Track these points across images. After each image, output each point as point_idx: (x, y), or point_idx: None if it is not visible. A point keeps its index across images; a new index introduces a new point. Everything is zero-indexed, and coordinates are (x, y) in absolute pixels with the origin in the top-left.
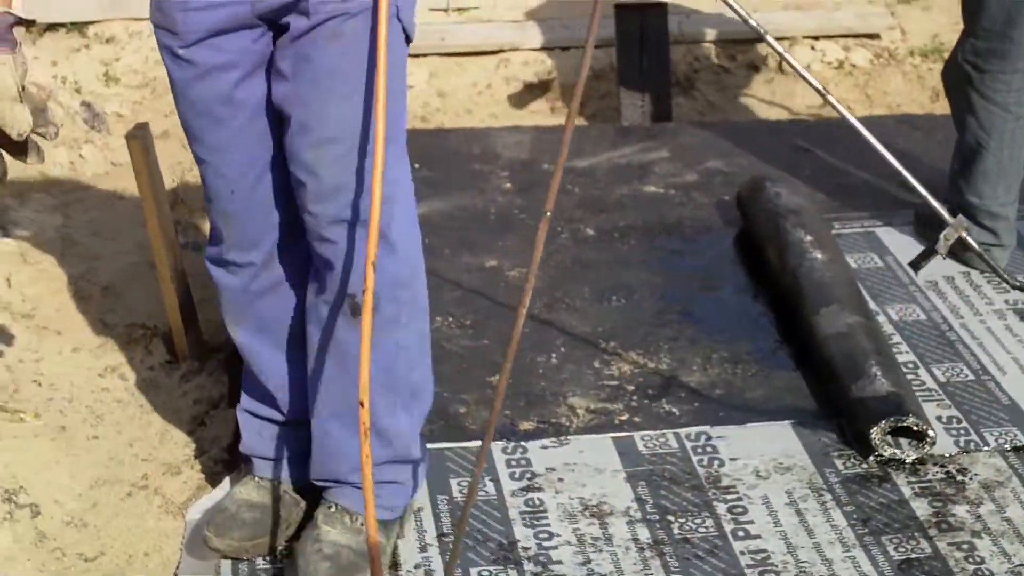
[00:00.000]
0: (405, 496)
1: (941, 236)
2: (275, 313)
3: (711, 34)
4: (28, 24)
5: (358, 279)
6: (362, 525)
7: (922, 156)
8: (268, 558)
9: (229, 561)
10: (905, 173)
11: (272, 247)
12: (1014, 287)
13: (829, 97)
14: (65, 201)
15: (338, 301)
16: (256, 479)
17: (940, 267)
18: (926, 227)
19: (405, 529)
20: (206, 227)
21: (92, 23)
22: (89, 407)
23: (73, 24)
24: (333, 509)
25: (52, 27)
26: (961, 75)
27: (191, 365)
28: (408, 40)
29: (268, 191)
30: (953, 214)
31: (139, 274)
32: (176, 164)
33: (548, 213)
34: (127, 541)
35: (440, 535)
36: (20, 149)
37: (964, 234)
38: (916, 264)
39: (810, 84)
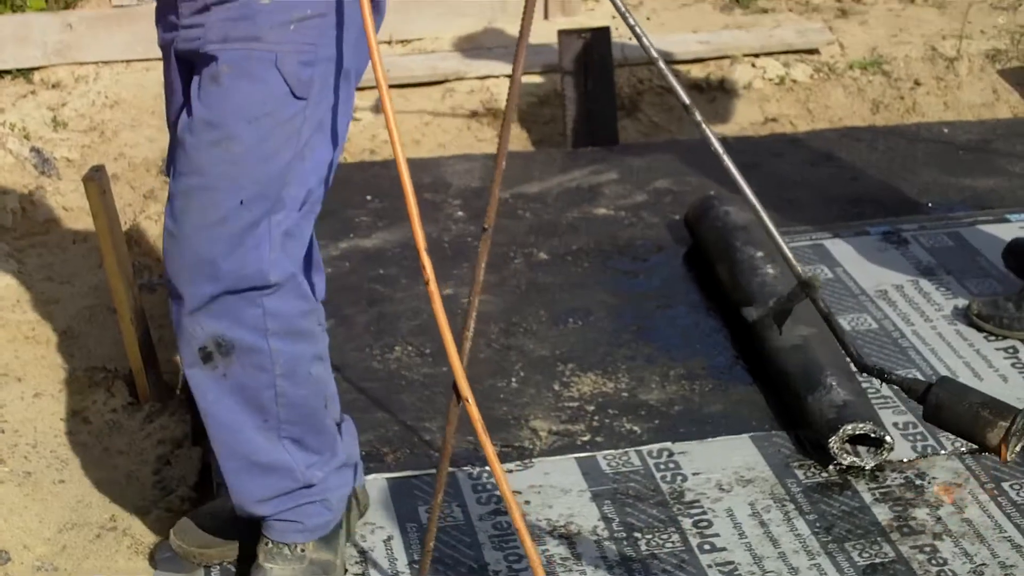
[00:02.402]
0: (325, 512)
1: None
2: None
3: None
4: None
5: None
6: (302, 551)
7: (866, 168)
8: None
9: None
10: (764, 217)
11: None
12: (861, 366)
13: (695, 114)
14: (18, 247)
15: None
16: None
17: (889, 276)
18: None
19: (354, 538)
20: (161, 269)
21: (37, 69)
22: (54, 452)
23: (19, 71)
24: (269, 545)
25: None
26: None
27: (153, 406)
28: (295, 96)
29: None
30: None
31: (96, 317)
32: (127, 207)
33: (488, 228)
34: None
35: (411, 562)
36: None
37: (816, 295)
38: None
39: (682, 103)
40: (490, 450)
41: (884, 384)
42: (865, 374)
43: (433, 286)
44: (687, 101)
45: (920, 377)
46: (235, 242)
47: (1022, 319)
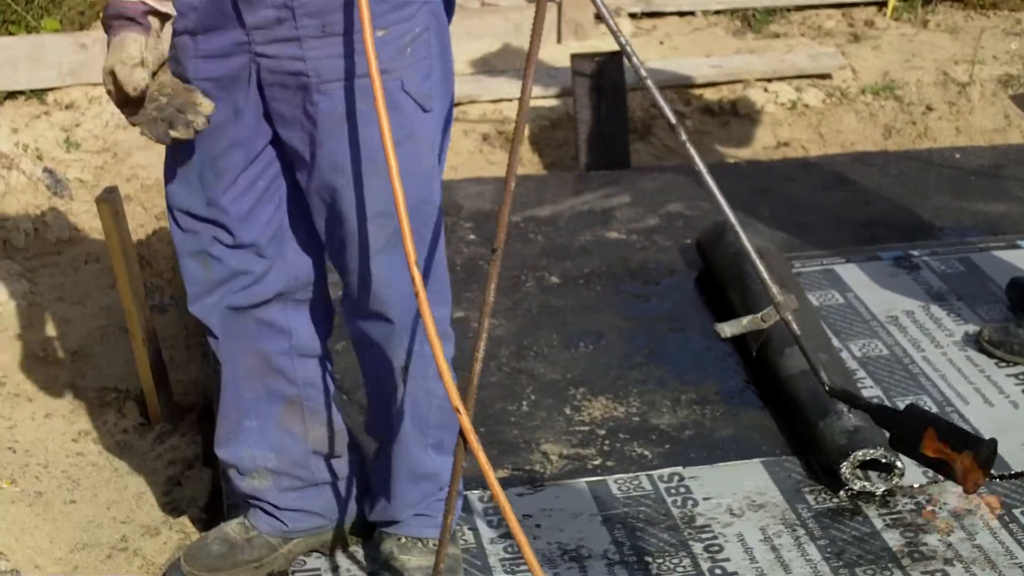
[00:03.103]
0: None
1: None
2: None
3: (666, 81)
4: (164, 17)
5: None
6: (434, 544)
7: (877, 193)
8: None
9: None
10: (744, 239)
11: None
12: (828, 391)
13: (681, 133)
14: (30, 267)
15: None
16: (243, 518)
17: (900, 301)
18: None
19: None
20: (172, 289)
21: (51, 90)
22: (65, 472)
23: (32, 91)
24: (403, 540)
25: (12, 95)
26: None
27: (164, 426)
28: (424, 110)
29: None
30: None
31: (108, 337)
32: (139, 227)
33: (498, 249)
34: None
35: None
36: (136, 103)
37: (788, 317)
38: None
39: (669, 123)
40: (490, 475)
41: (851, 410)
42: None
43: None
44: (673, 120)
45: (931, 403)
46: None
47: None
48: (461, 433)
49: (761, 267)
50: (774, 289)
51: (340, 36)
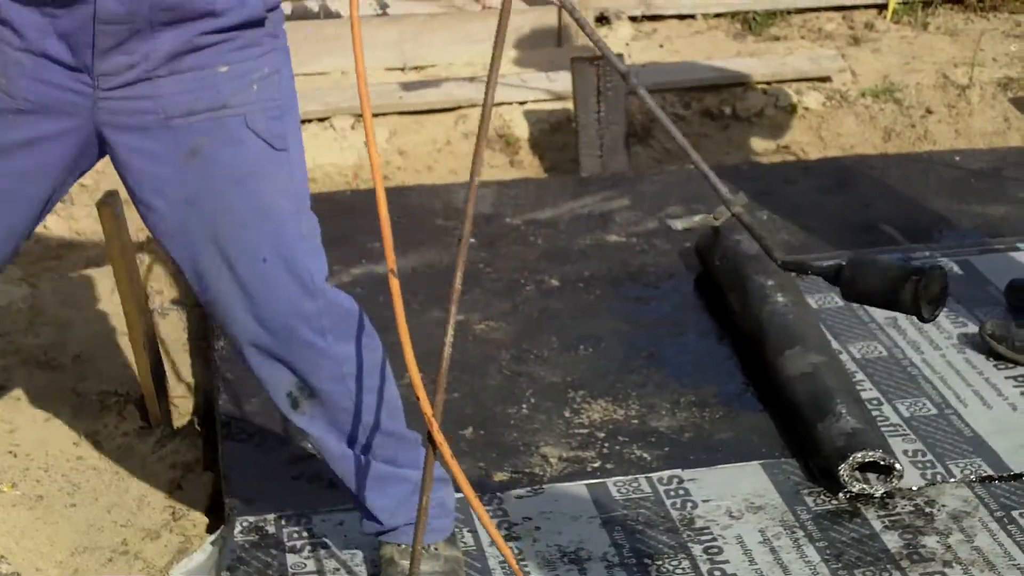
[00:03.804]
0: (445, 514)
1: (716, 210)
2: None
3: (666, 84)
4: None
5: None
6: (435, 549)
7: (877, 195)
8: None
9: None
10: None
11: None
12: (779, 264)
13: (661, 116)
14: (31, 272)
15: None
16: None
17: None
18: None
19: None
20: (173, 294)
21: None
22: (65, 475)
23: None
24: (403, 546)
25: None
26: None
27: (165, 430)
28: (275, 149)
29: None
30: None
31: (109, 341)
32: (139, 231)
33: (464, 239)
34: None
35: None
36: None
37: (740, 209)
38: (681, 224)
39: (620, 72)
40: (460, 476)
41: (803, 276)
42: (787, 270)
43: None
44: (624, 70)
45: (929, 405)
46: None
47: None
48: (430, 437)
49: (704, 167)
50: (722, 189)
51: (188, 73)
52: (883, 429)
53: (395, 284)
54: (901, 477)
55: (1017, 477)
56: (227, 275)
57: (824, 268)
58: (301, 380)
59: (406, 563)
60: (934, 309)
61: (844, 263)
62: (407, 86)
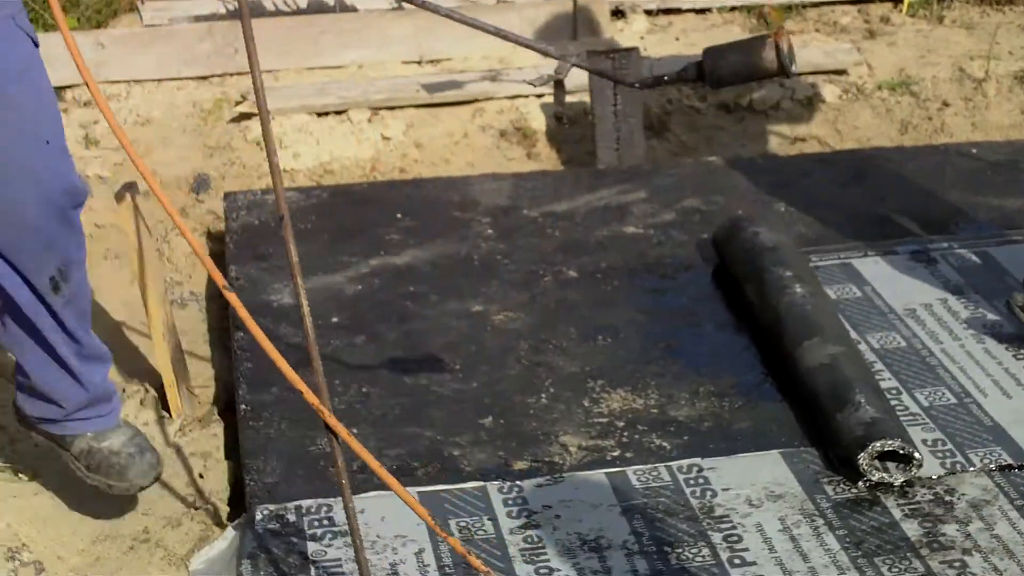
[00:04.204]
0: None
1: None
2: None
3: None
4: None
5: None
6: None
7: (894, 188)
8: None
9: None
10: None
11: None
12: (634, 85)
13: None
14: None
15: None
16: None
17: (918, 294)
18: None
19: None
20: (192, 285)
21: (70, 87)
22: None
23: None
24: (91, 434)
25: None
26: None
27: (185, 420)
28: (36, 44)
29: None
30: None
31: (128, 332)
32: (158, 223)
33: (284, 216)
34: None
35: (440, 566)
36: None
37: (570, 65)
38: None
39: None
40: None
41: (666, 85)
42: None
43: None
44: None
45: (949, 395)
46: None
47: None
48: (329, 428)
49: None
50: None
51: None
52: (902, 418)
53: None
54: (920, 466)
55: None
56: (19, 161)
57: (682, 70)
58: (63, 263)
59: (107, 444)
60: (791, 63)
61: (699, 59)
62: (423, 79)
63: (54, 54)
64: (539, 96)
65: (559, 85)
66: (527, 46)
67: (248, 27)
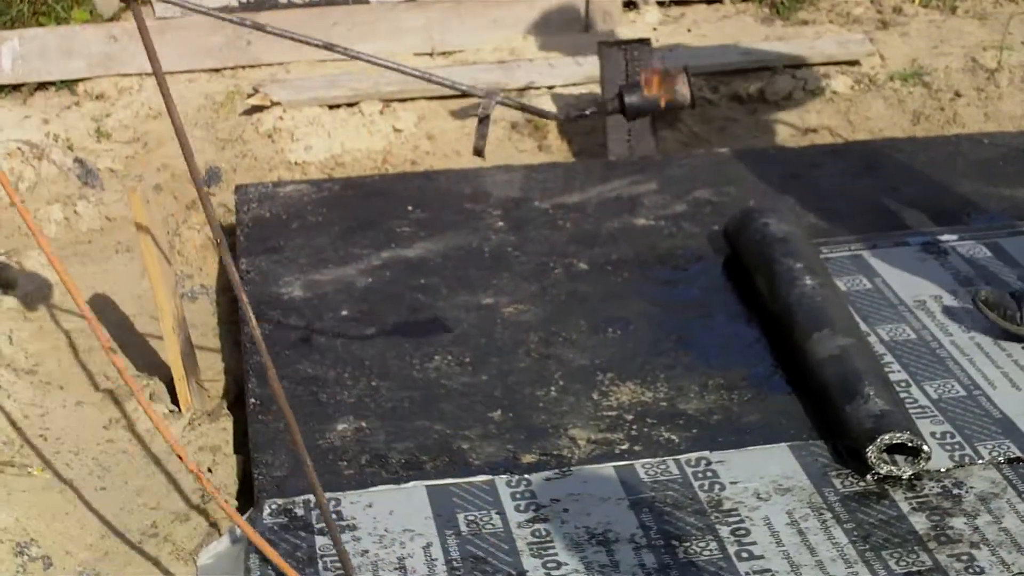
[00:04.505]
0: None
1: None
2: None
3: (693, 67)
4: None
5: None
6: None
7: (906, 179)
8: None
9: None
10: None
11: None
12: (561, 119)
13: None
14: (62, 257)
15: None
16: None
17: (928, 286)
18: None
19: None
20: (202, 278)
21: (82, 80)
22: (95, 459)
23: (63, 82)
24: None
25: (42, 86)
26: None
27: (195, 414)
28: None
29: None
30: None
31: (139, 326)
32: (169, 217)
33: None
34: None
35: (451, 569)
36: None
37: (494, 103)
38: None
39: None
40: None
41: (587, 119)
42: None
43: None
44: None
45: (958, 387)
46: None
47: (1021, 317)
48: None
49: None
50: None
51: None
52: (911, 411)
53: None
54: (929, 459)
55: None
56: None
57: (602, 103)
58: None
59: None
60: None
61: (619, 93)
62: (435, 71)
63: (67, 46)
64: (550, 88)
65: (482, 122)
66: (451, 87)
67: (148, 40)
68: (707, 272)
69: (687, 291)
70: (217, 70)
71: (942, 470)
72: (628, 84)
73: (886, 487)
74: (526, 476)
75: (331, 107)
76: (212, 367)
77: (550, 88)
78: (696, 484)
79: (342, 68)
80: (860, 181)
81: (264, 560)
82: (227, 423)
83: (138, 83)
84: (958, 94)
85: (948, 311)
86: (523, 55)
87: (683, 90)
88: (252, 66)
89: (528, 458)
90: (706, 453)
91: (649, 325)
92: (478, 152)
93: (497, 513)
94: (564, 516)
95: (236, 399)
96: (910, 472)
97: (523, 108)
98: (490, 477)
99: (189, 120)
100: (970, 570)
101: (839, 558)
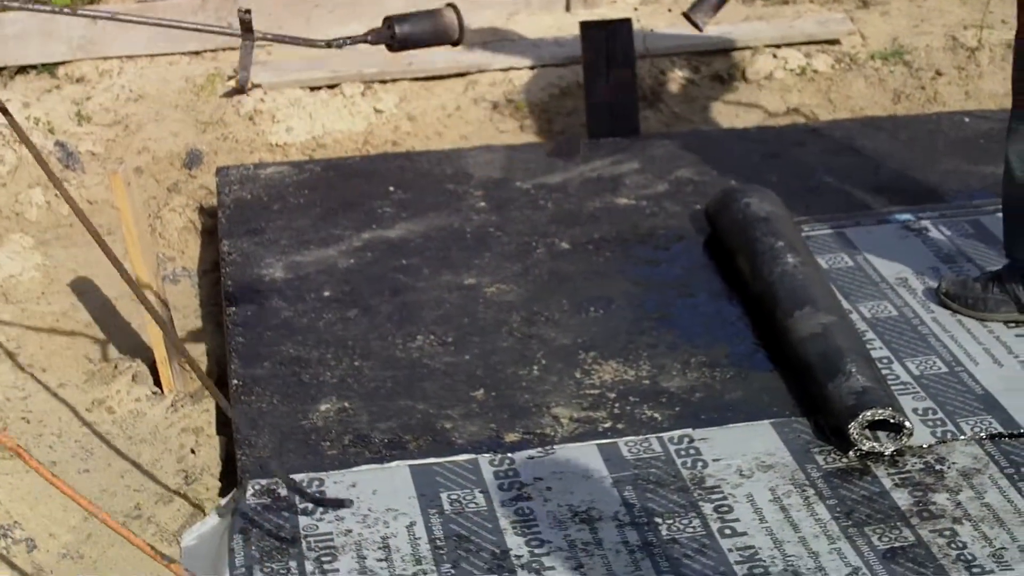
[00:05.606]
0: None
1: None
2: None
3: (675, 48)
4: None
5: None
6: None
7: (887, 157)
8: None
9: None
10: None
11: None
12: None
13: None
14: (43, 240)
15: None
16: None
17: (910, 263)
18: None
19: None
20: (184, 260)
21: (62, 64)
22: (78, 441)
23: (44, 66)
24: None
25: (23, 69)
26: None
27: (177, 396)
28: None
29: None
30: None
31: (120, 308)
32: (150, 199)
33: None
34: (123, 571)
35: (434, 548)
36: None
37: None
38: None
39: None
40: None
41: (353, 44)
42: None
43: None
44: None
45: (940, 364)
46: None
47: (986, 300)
48: None
49: None
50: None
51: None
52: (893, 387)
53: None
54: (911, 435)
55: None
56: None
57: (371, 33)
58: None
59: None
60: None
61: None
62: (417, 52)
63: (48, 29)
64: (532, 68)
65: (243, 60)
66: (208, 31)
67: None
68: (689, 251)
69: (669, 270)
70: (198, 53)
71: (924, 446)
72: (399, 16)
73: (868, 463)
74: (509, 455)
75: (312, 89)
76: (194, 349)
77: (531, 68)
78: (679, 461)
79: (324, 50)
80: (841, 160)
81: (247, 540)
82: (210, 404)
83: (119, 66)
84: (939, 73)
85: (929, 288)
86: (505, 36)
87: (452, 21)
88: (233, 48)
89: (511, 437)
90: (689, 431)
91: (631, 304)
92: (242, 87)
93: (480, 492)
94: (547, 494)
95: (219, 380)
96: (892, 448)
97: (282, 40)
98: (473, 456)
99: (170, 103)
100: (952, 545)
101: (822, 534)
